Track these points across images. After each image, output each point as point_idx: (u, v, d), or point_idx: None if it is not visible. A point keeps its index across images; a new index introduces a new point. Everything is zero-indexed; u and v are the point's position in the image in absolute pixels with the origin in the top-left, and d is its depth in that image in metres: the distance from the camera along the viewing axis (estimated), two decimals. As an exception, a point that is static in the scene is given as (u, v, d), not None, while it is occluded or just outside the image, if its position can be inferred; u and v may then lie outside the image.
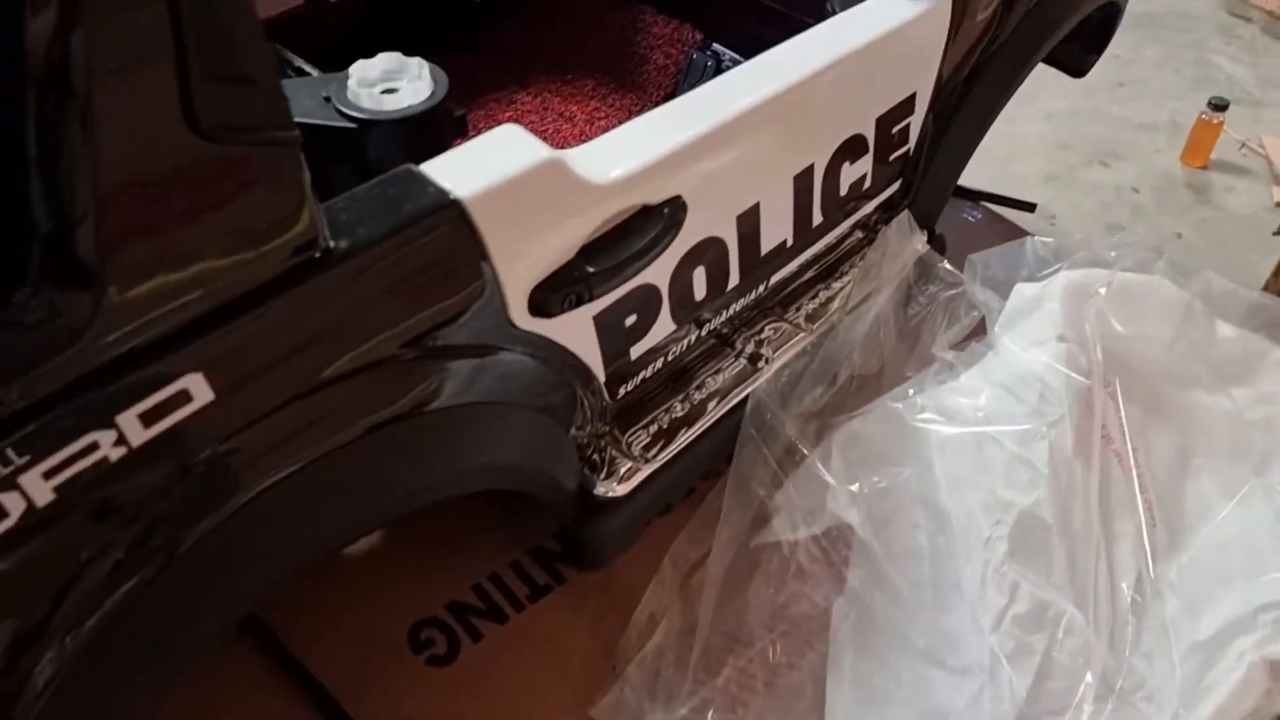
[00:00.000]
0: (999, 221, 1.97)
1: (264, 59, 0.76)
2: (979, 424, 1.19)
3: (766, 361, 1.36)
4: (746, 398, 1.35)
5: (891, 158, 1.43)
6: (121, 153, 0.67)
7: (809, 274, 1.47)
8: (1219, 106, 2.65)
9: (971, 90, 1.54)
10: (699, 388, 1.34)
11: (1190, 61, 3.11)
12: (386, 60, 1.39)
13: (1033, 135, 2.85)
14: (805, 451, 1.31)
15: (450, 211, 0.92)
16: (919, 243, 1.45)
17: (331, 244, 0.84)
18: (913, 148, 1.47)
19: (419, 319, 0.92)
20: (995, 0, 1.51)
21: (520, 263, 1.00)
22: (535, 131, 1.83)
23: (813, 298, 1.46)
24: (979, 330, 1.39)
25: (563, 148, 1.78)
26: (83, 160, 0.65)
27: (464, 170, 0.96)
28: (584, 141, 1.82)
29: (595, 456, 1.28)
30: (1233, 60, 3.12)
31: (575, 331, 1.10)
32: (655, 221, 1.10)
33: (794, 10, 1.55)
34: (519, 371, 1.06)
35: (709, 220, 1.19)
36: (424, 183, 0.93)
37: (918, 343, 1.40)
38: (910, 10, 1.32)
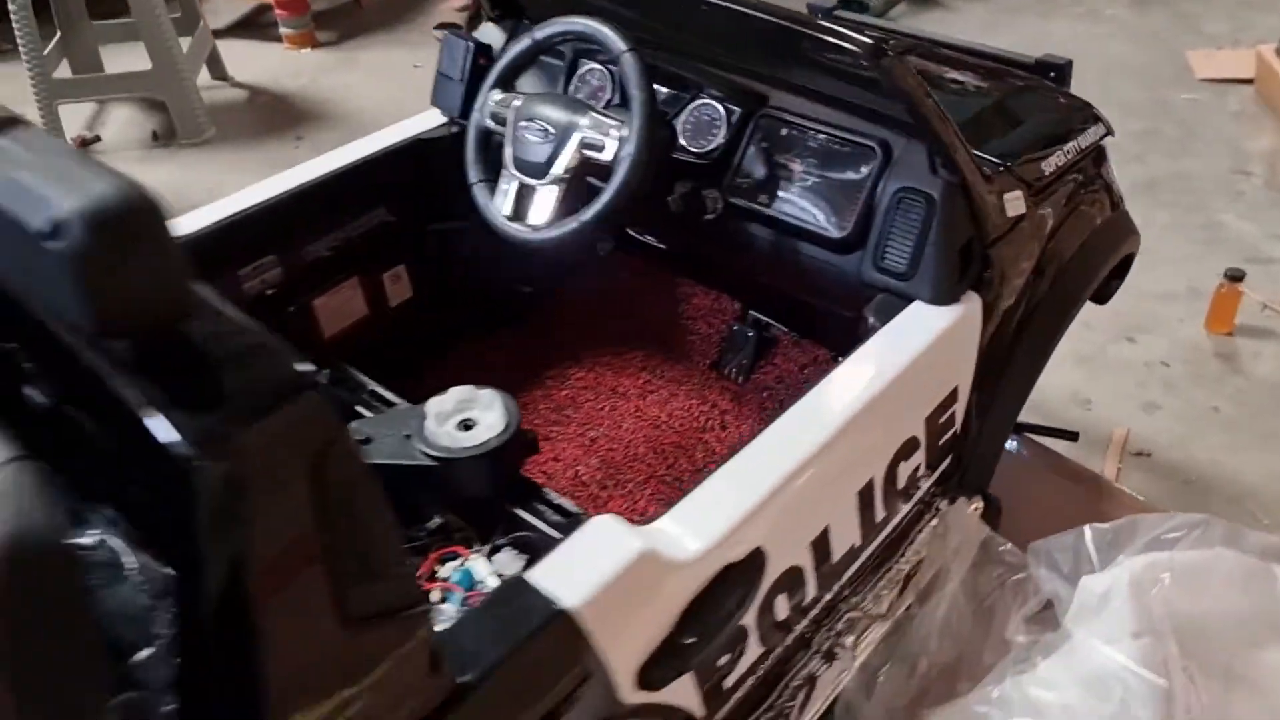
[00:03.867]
0: (1043, 453, 2.04)
1: (398, 555, 0.86)
2: (1070, 728, 1.23)
3: (851, 658, 1.42)
4: (836, 699, 1.40)
5: (942, 442, 1.52)
6: (286, 648, 0.75)
7: (876, 557, 1.54)
8: (1235, 278, 2.74)
9: (1013, 357, 1.63)
10: (784, 692, 1.39)
11: (1198, 224, 3.22)
12: (459, 394, 1.48)
13: (1057, 316, 2.95)
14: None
15: (561, 621, 1.00)
16: (976, 529, 1.51)
17: (462, 678, 0.92)
18: (959, 427, 1.55)
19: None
20: (1023, 276, 1.61)
21: (625, 650, 1.07)
22: (590, 409, 1.96)
23: (881, 579, 1.53)
24: (1049, 607, 1.44)
25: (618, 424, 1.90)
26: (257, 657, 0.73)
27: (568, 576, 1.04)
28: (637, 416, 1.93)
29: None
30: (1239, 218, 3.23)
31: (678, 690, 1.16)
32: (741, 577, 1.18)
33: (828, 302, 1.65)
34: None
35: (786, 556, 1.26)
36: (533, 596, 1.02)
37: (991, 626, 1.45)
38: (945, 318, 1.43)
